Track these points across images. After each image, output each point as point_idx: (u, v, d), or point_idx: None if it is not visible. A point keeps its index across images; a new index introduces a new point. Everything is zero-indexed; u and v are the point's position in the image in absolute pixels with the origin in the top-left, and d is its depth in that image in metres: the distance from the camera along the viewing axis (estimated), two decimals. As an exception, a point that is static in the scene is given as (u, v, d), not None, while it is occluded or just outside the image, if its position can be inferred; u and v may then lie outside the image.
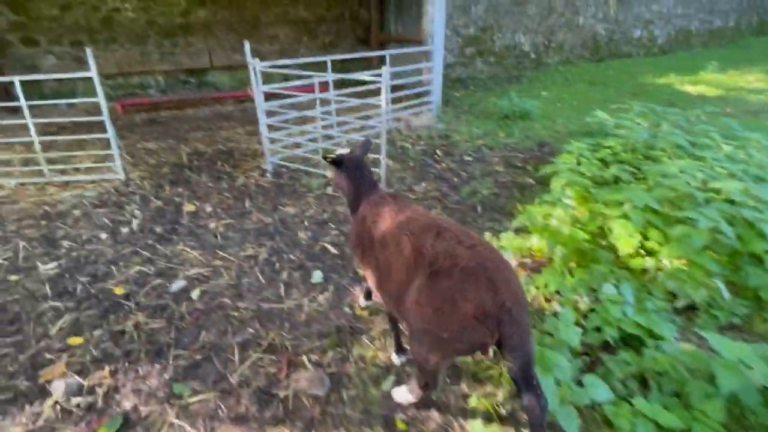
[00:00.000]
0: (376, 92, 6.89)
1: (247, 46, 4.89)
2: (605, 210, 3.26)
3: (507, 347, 1.60)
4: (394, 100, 7.15)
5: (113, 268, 3.57)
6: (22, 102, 4.71)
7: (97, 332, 2.84)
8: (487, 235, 3.80)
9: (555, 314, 2.44)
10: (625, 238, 2.98)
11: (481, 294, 1.57)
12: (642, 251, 3.14)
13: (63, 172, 5.31)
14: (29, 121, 4.80)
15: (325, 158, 2.56)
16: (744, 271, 2.74)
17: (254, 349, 2.66)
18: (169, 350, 2.67)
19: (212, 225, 4.20)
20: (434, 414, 2.19)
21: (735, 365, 1.82)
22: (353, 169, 2.48)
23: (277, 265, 3.55)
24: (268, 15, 9.33)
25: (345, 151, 2.62)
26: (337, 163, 2.51)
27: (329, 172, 2.96)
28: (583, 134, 5.50)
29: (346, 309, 2.98)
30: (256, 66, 4.91)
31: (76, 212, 4.48)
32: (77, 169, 5.38)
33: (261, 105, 5.06)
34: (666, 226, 2.94)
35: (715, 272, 2.70)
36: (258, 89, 5.00)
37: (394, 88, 7.24)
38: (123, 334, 2.82)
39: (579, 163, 4.13)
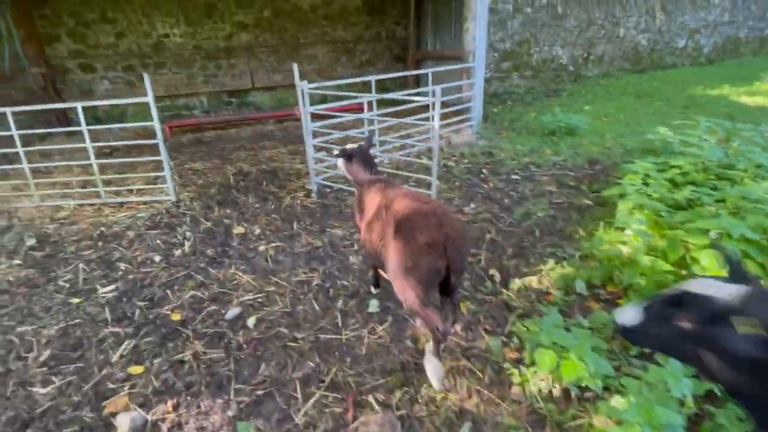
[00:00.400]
0: (416, 111, 6.85)
1: (295, 68, 4.94)
2: (688, 238, 2.99)
3: (452, 269, 2.13)
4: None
5: (168, 292, 3.57)
6: (83, 127, 4.91)
7: (157, 361, 2.81)
8: (551, 262, 3.58)
9: (658, 363, 2.19)
10: (715, 272, 2.70)
11: (432, 228, 2.13)
12: (733, 284, 2.85)
13: (117, 193, 5.47)
14: (89, 145, 4.98)
15: (335, 153, 3.21)
16: None
17: (316, 385, 2.54)
18: (229, 384, 2.59)
19: (262, 248, 4.17)
20: (520, 469, 1.99)
21: None
22: (360, 160, 3.09)
23: (331, 291, 3.45)
24: (308, 36, 9.53)
25: (352, 146, 3.21)
26: (347, 156, 3.12)
27: (340, 164, 3.18)
28: (641, 152, 5.20)
29: (409, 343, 2.83)
30: (304, 88, 4.93)
31: (131, 234, 4.57)
32: (130, 191, 5.54)
33: (308, 126, 5.07)
34: (765, 257, 2.65)
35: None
36: (305, 110, 5.02)
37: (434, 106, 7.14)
38: (183, 363, 2.78)
39: (646, 184, 3.86)
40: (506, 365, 2.55)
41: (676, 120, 7.64)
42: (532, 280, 3.40)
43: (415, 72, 6.90)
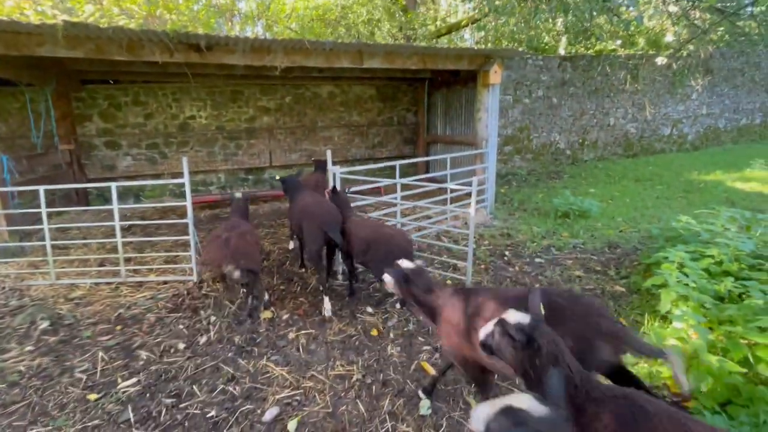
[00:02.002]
0: (428, 193, 7.02)
1: (329, 154, 5.15)
2: (748, 335, 2.92)
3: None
4: (453, 200, 7.26)
5: (195, 387, 3.31)
6: (114, 205, 4.93)
7: (190, 475, 2.50)
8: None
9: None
10: (788, 373, 2.60)
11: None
12: (805, 387, 2.72)
13: (136, 272, 5.33)
14: (117, 223, 4.96)
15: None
16: None
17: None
18: (277, 506, 2.29)
19: (292, 335, 3.98)
20: None
21: None
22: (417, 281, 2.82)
23: (374, 388, 3.22)
24: (325, 120, 10.13)
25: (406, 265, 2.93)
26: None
27: (390, 283, 3.01)
28: (664, 239, 5.30)
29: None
30: (336, 172, 5.10)
31: (151, 317, 4.36)
32: (150, 269, 5.40)
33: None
34: (838, 360, 2.56)
35: None
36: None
37: (452, 190, 7.39)
38: (220, 479, 2.47)
39: (685, 275, 3.86)
40: None
41: (681, 204, 7.96)
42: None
43: (435, 157, 7.25)
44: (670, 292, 3.63)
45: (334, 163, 5.21)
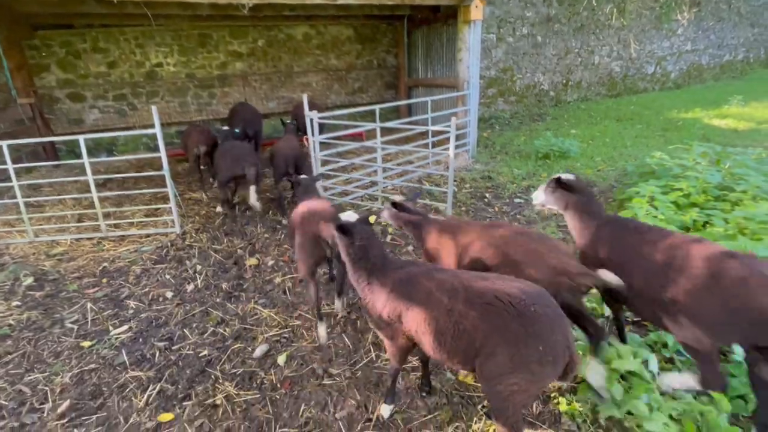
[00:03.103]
0: (411, 137, 6.95)
1: (305, 99, 4.99)
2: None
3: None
4: (435, 144, 7.22)
5: (186, 330, 3.43)
6: (85, 159, 4.77)
7: (187, 406, 2.67)
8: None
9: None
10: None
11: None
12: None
13: (117, 226, 5.29)
14: (90, 178, 4.83)
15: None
16: None
17: (363, 424, 2.46)
18: (270, 428, 2.49)
19: (278, 280, 4.09)
20: (587, 504, 1.97)
21: None
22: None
23: (359, 323, 3.40)
24: (301, 65, 9.67)
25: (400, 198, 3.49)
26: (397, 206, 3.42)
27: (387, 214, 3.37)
28: (639, 175, 5.44)
29: (449, 375, 2.79)
30: (313, 117, 4.98)
31: (137, 269, 4.40)
32: (131, 223, 5.36)
33: (317, 154, 5.09)
34: (783, 277, 2.77)
35: None
36: (314, 139, 5.05)
37: (434, 133, 7.32)
38: (216, 408, 2.65)
39: (655, 207, 4.03)
40: (552, 395, 2.55)
41: (658, 142, 8.07)
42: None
43: (416, 100, 7.07)
44: (639, 225, 3.80)
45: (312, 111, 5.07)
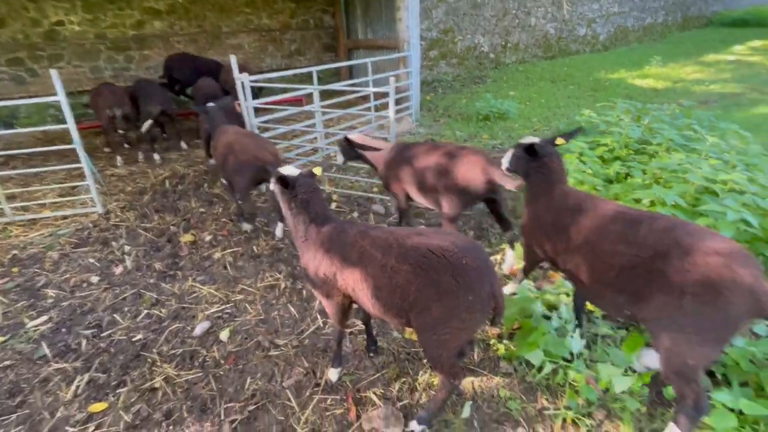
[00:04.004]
0: (353, 102, 6.77)
1: (233, 59, 4.60)
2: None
3: None
4: (377, 108, 7.07)
5: (117, 315, 3.19)
6: (-26, 134, 4.12)
7: (122, 393, 2.51)
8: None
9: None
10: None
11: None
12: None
13: (25, 209, 4.71)
14: (-17, 154, 4.20)
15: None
16: (765, 256, 2.93)
17: (311, 390, 2.46)
18: (215, 404, 2.41)
19: (218, 255, 3.89)
20: (523, 436, 2.13)
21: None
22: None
23: (304, 292, 3.34)
24: (230, 24, 8.90)
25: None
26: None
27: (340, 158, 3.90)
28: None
29: (396, 334, 2.85)
30: (244, 81, 4.62)
31: (54, 254, 3.98)
32: (42, 205, 4.79)
33: (252, 121, 4.78)
34: (691, 219, 3.08)
35: (742, 260, 2.86)
36: (247, 104, 4.72)
37: (376, 96, 7.15)
38: (155, 391, 2.52)
39: (583, 162, 4.26)
40: (492, 342, 2.69)
41: (588, 102, 8.51)
42: (497, 259, 3.60)
43: (356, 62, 6.81)
44: (570, 179, 4.01)
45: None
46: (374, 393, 2.40)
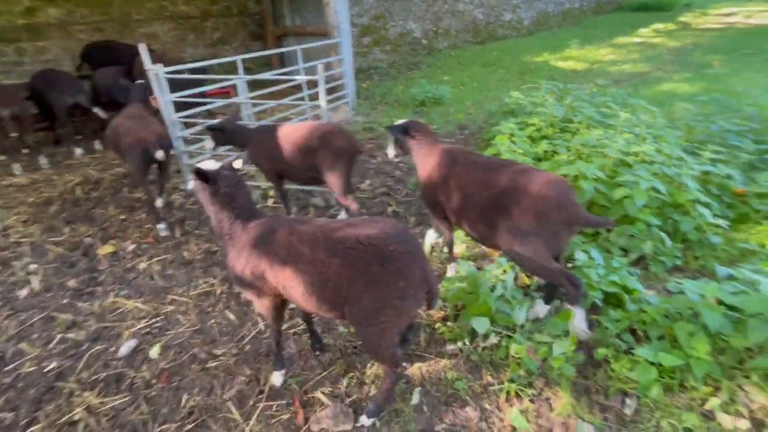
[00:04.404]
0: (286, 92, 6.52)
1: (143, 49, 4.17)
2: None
3: None
4: (311, 98, 6.83)
5: (24, 344, 2.81)
6: None
7: (35, 431, 2.21)
8: (450, 224, 3.87)
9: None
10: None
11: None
12: (589, 216, 3.51)
13: None
14: None
15: None
16: (673, 220, 3.22)
17: (255, 398, 2.33)
18: (147, 429, 2.20)
19: (143, 265, 3.56)
20: (471, 413, 2.17)
21: (717, 306, 2.14)
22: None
23: (242, 296, 3.15)
24: (141, 11, 8.10)
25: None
26: None
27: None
28: (501, 114, 5.91)
29: (342, 329, 2.78)
30: (159, 72, 4.22)
31: (-62, 282, 3.42)
32: None
33: (171, 117, 4.39)
34: (609, 190, 3.30)
35: (655, 225, 3.13)
36: (165, 99, 4.32)
37: (309, 85, 6.90)
38: (75, 424, 2.24)
39: (513, 142, 4.41)
40: (437, 326, 2.71)
41: (516, 84, 8.87)
42: (438, 242, 3.64)
43: (283, 50, 6.49)
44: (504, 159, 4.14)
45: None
46: (322, 392, 2.32)
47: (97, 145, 6.04)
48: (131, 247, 3.81)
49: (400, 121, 3.14)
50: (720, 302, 2.26)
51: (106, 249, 3.77)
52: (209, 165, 2.12)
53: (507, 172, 2.49)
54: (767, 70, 8.34)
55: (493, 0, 14.17)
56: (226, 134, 3.74)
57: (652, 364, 2.21)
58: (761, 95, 4.94)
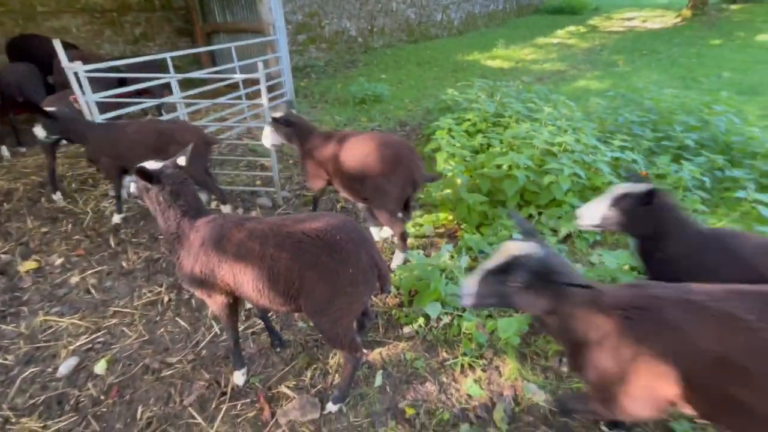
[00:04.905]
0: (219, 91, 6.32)
1: (58, 45, 3.83)
2: (491, 174, 3.84)
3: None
4: (248, 96, 6.66)
5: (-62, 376, 2.50)
6: None
7: (-36, 469, 2.01)
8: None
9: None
10: (512, 195, 3.60)
11: None
12: (522, 202, 3.86)
13: None
14: None
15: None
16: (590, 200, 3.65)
17: (217, 400, 2.30)
18: (101, 446, 2.09)
19: (75, 279, 3.30)
20: (430, 388, 2.34)
21: (630, 271, 2.50)
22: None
23: (194, 301, 3.06)
24: (47, 2, 7.32)
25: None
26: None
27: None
28: (438, 110, 6.19)
29: (301, 324, 2.82)
30: (78, 71, 3.89)
31: None
32: None
33: (95, 118, 4.07)
34: (538, 177, 3.65)
35: (577, 206, 3.52)
36: (87, 99, 4.00)
37: (245, 84, 6.71)
38: (13, 454, 2.07)
39: (452, 137, 4.68)
40: (393, 312, 2.85)
41: (451, 82, 9.31)
42: (386, 232, 3.78)
43: (218, 47, 6.25)
44: (442, 153, 4.38)
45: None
46: (287, 386, 2.36)
47: (5, 151, 5.40)
48: (59, 261, 3.50)
49: (277, 114, 3.51)
50: (632, 268, 2.63)
51: (29, 265, 3.43)
52: (151, 164, 2.06)
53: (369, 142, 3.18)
54: (660, 68, 9.56)
55: (425, 0, 14.64)
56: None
57: None
58: (656, 91, 5.69)
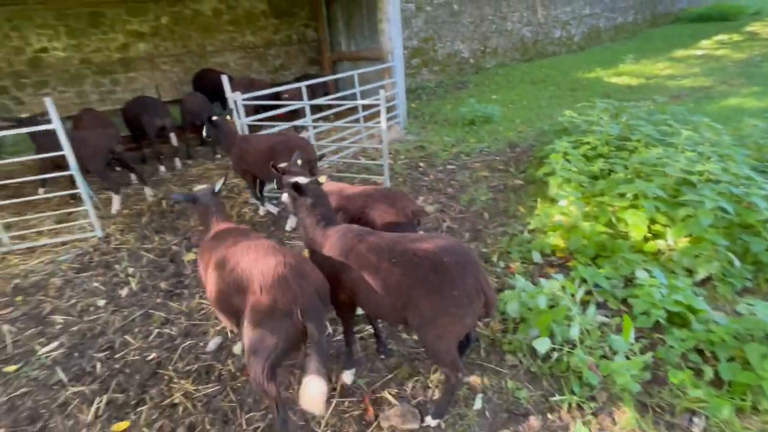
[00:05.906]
0: (341, 114, 6.92)
1: (225, 79, 4.72)
2: (612, 202, 3.57)
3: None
4: (366, 119, 7.23)
5: (128, 336, 3.24)
6: (-30, 165, 4.13)
7: (143, 410, 2.57)
8: (505, 240, 3.98)
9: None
10: (638, 226, 3.29)
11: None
12: (650, 235, 3.48)
13: (23, 237, 4.71)
14: (-20, 185, 4.21)
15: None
16: (742, 240, 3.14)
17: (329, 394, 2.56)
18: (236, 415, 2.49)
19: (222, 271, 3.96)
20: (533, 422, 2.27)
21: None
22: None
23: (312, 302, 3.43)
24: (214, 43, 9.00)
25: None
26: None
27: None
28: (553, 132, 5.94)
29: (405, 335, 2.97)
30: (237, 99, 4.74)
31: (56, 281, 4.00)
32: (39, 233, 4.80)
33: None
34: (670, 209, 3.28)
35: (722, 245, 3.07)
36: (241, 122, 4.83)
37: (364, 108, 7.31)
38: (175, 407, 2.58)
39: (568, 161, 4.46)
40: (497, 336, 2.83)
41: (568, 101, 8.81)
42: (494, 258, 3.75)
43: (343, 75, 6.97)
44: (556, 178, 4.21)
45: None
46: (389, 393, 2.51)
47: (177, 163, 6.73)
48: (211, 255, 4.24)
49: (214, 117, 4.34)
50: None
51: (190, 256, 4.23)
52: (302, 180, 2.45)
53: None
54: None
55: (542, 18, 14.15)
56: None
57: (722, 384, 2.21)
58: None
